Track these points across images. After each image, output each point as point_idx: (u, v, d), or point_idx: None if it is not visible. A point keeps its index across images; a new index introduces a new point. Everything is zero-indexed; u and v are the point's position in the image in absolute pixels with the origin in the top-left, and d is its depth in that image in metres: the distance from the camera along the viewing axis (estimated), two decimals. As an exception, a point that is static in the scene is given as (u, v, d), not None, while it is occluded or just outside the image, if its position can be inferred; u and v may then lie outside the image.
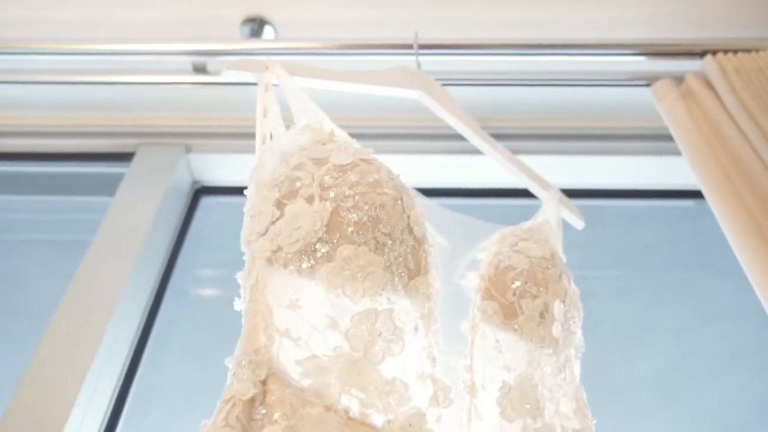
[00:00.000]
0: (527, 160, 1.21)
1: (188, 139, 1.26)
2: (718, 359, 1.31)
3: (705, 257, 1.43)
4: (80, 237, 1.12)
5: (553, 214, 0.90)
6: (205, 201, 1.30)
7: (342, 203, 0.59)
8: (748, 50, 1.09)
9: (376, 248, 0.59)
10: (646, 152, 1.25)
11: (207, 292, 1.26)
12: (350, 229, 0.59)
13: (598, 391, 1.26)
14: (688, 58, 1.11)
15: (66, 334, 0.95)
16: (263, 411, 0.50)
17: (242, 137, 1.23)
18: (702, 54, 1.10)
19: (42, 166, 1.25)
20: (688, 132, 1.03)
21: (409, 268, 0.61)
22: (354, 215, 0.59)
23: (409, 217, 0.63)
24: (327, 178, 0.61)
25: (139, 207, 1.13)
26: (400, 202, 0.62)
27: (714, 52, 1.09)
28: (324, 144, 0.67)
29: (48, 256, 1.24)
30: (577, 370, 0.72)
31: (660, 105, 1.10)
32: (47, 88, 1.21)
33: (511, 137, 1.27)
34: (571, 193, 1.29)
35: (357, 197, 0.60)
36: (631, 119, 1.26)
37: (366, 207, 0.60)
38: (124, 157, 1.22)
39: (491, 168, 1.06)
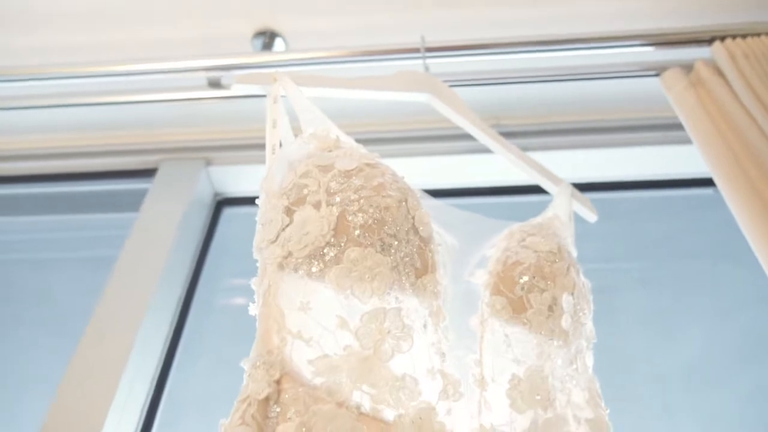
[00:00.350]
0: (540, 155, 1.22)
1: (208, 152, 1.30)
2: (748, 348, 1.29)
3: (727, 245, 1.42)
4: (109, 253, 1.16)
5: (563, 208, 0.91)
6: (227, 212, 1.33)
7: (348, 207, 0.61)
8: (758, 34, 1.08)
9: (383, 249, 0.61)
10: (659, 142, 1.24)
11: (232, 300, 1.29)
12: (357, 232, 0.61)
13: (626, 384, 1.25)
14: (696, 45, 1.11)
15: (99, 346, 0.99)
16: (278, 409, 0.52)
17: (260, 148, 1.25)
18: (710, 41, 1.09)
19: (69, 185, 1.30)
20: (698, 120, 1.03)
21: (416, 267, 0.63)
22: (360, 218, 0.61)
23: (413, 218, 0.64)
24: (333, 184, 0.64)
25: (163, 221, 1.17)
26: (404, 203, 0.64)
27: (722, 38, 1.08)
28: (330, 151, 0.70)
29: (79, 273, 1.29)
30: (589, 360, 0.73)
31: (670, 94, 1.10)
32: (71, 110, 1.26)
33: (522, 134, 1.28)
34: (585, 187, 1.30)
35: (362, 201, 0.62)
36: (643, 110, 1.26)
37: (371, 210, 0.62)
38: (147, 173, 1.27)
39: (502, 166, 1.06)
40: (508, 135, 1.22)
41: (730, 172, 0.97)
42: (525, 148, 1.21)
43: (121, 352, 0.97)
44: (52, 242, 1.36)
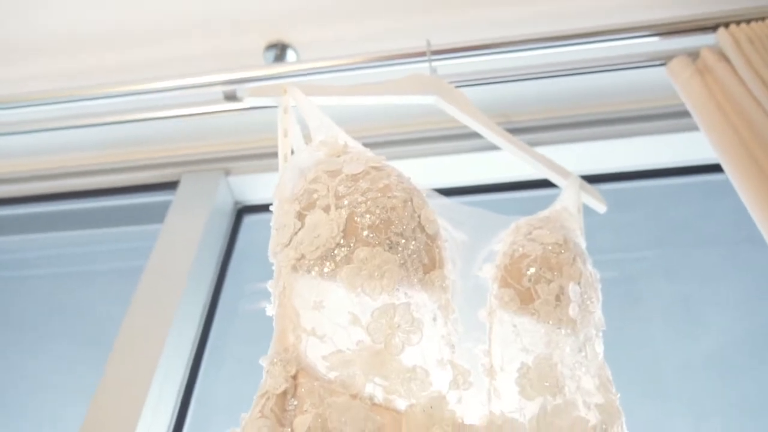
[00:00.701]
0: (552, 149, 1.24)
1: (227, 163, 1.35)
2: (773, 335, 1.28)
3: (748, 229, 1.41)
4: (136, 263, 1.20)
5: (571, 200, 0.93)
6: (248, 219, 1.37)
7: (355, 209, 0.65)
8: (762, 18, 1.08)
9: (390, 248, 0.64)
10: (673, 130, 1.25)
11: (256, 304, 1.33)
12: (365, 233, 0.64)
13: (651, 372, 1.25)
14: (701, 33, 1.12)
15: (130, 352, 1.03)
16: (295, 402, 0.56)
17: (277, 156, 1.30)
18: (714, 27, 1.10)
19: (97, 201, 1.36)
20: (704, 107, 1.04)
21: (424, 263, 0.66)
22: (367, 219, 0.64)
23: (419, 216, 0.67)
24: (341, 188, 0.67)
25: (187, 230, 1.21)
26: (410, 203, 0.67)
27: (726, 25, 1.09)
28: (338, 156, 0.73)
29: (109, 284, 1.34)
30: (599, 347, 0.75)
31: (676, 82, 1.10)
32: (96, 130, 1.31)
33: (533, 129, 1.30)
34: (601, 178, 1.31)
35: (369, 203, 0.65)
36: (655, 98, 1.27)
37: (378, 211, 0.65)
38: (170, 185, 1.32)
39: (512, 162, 1.08)
40: (519, 131, 1.25)
41: (738, 158, 0.97)
42: (536, 143, 1.23)
43: (150, 358, 1.02)
44: (83, 256, 1.42)
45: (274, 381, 0.56)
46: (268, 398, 0.55)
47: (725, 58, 1.07)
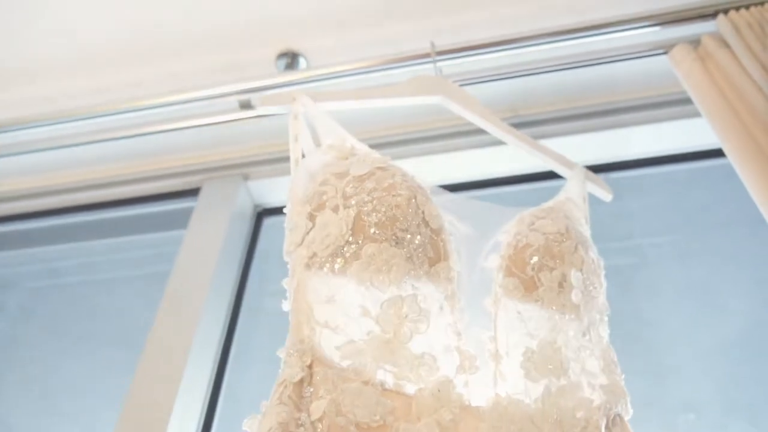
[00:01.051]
0: (560, 141, 1.27)
1: (245, 168, 1.40)
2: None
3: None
4: (163, 268, 1.26)
5: (576, 190, 0.96)
6: (267, 221, 1.42)
7: (362, 208, 0.69)
8: (761, 2, 1.10)
9: (396, 243, 0.68)
10: (679, 117, 1.27)
11: (277, 303, 1.38)
12: (372, 230, 0.68)
13: (669, 357, 1.26)
14: (701, 20, 1.14)
15: (159, 354, 1.08)
16: (311, 389, 0.60)
17: (291, 160, 1.35)
18: (714, 14, 1.12)
19: (124, 210, 1.42)
20: (705, 93, 1.06)
21: (429, 256, 0.70)
22: (374, 217, 0.68)
23: (423, 212, 0.71)
24: (348, 189, 0.71)
25: (210, 234, 1.27)
26: (413, 200, 0.71)
27: (726, 11, 1.11)
28: (345, 159, 0.77)
29: (138, 289, 1.40)
30: (603, 331, 0.77)
31: (678, 70, 1.12)
32: (120, 143, 1.37)
33: (542, 122, 1.32)
34: (611, 167, 1.33)
35: (375, 201, 0.69)
36: (662, 86, 1.28)
37: (383, 209, 0.69)
38: (192, 192, 1.37)
39: (518, 156, 1.11)
40: (529, 124, 1.28)
41: (739, 142, 0.99)
42: (547, 135, 1.26)
43: (179, 357, 1.07)
44: (113, 263, 1.48)
45: (291, 370, 0.60)
46: (286, 386, 0.59)
47: (726, 44, 1.09)
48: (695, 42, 1.14)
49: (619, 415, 0.70)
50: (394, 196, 0.70)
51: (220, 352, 1.17)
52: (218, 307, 1.20)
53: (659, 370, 1.23)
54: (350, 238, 0.68)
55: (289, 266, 0.72)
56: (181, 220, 1.33)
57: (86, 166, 1.47)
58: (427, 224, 0.71)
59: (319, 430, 0.56)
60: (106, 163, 1.44)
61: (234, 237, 1.31)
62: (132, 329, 1.32)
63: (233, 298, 1.25)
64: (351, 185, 0.71)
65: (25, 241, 1.49)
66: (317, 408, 0.58)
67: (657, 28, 1.17)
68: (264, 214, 1.43)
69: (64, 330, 1.41)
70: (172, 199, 1.40)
